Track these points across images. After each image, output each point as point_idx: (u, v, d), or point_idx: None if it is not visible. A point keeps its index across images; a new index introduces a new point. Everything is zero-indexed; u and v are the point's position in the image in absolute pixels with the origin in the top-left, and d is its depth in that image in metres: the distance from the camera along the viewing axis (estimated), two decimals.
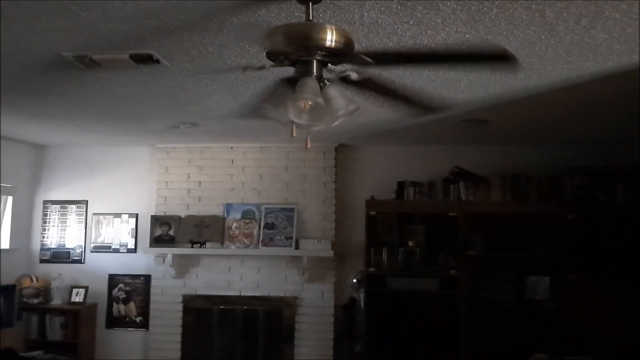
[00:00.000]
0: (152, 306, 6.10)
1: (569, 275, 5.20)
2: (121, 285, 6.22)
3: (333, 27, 2.06)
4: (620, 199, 5.30)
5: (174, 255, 5.94)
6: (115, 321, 6.21)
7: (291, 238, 5.82)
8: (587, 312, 5.12)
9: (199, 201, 6.14)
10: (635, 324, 5.06)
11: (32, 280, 6.09)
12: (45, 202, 6.43)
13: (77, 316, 5.93)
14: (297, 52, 2.08)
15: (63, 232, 6.39)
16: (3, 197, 6.02)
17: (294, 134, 2.23)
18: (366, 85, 2.61)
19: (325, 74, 2.17)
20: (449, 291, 5.37)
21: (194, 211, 6.10)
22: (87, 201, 6.38)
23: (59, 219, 6.40)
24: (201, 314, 6.02)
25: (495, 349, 5.35)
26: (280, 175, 6.07)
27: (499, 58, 2.83)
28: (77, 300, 6.07)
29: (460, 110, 4.28)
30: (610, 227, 5.25)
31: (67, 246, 6.36)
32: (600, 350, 4.94)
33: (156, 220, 6.08)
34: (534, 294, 5.36)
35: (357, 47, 2.40)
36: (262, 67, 3.00)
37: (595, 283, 5.17)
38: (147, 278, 6.16)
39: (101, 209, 6.35)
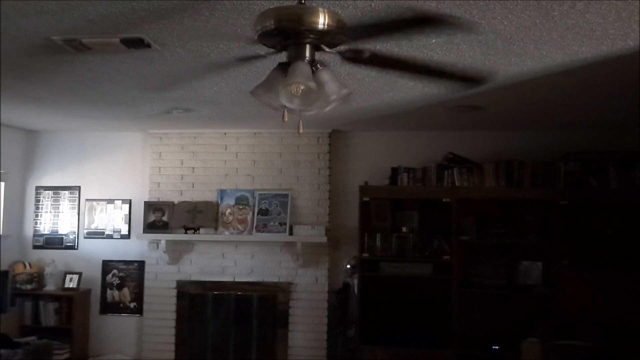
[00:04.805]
0: (146, 292, 6.11)
1: (562, 261, 5.22)
2: (115, 271, 6.22)
3: (325, 10, 2.03)
4: (613, 185, 5.30)
5: (168, 241, 5.93)
6: (109, 307, 6.21)
7: (285, 224, 5.82)
8: (579, 297, 5.15)
9: (193, 187, 6.12)
10: (626, 309, 5.09)
11: (25, 267, 6.08)
12: (37, 187, 6.40)
13: (70, 302, 5.93)
14: (288, 35, 2.05)
15: (56, 218, 6.36)
16: None
17: (286, 119, 2.21)
18: (377, 60, 2.55)
19: (318, 57, 2.15)
20: (442, 276, 5.40)
21: (188, 197, 6.08)
22: (79, 187, 6.35)
23: (51, 204, 6.37)
24: (195, 299, 6.03)
25: (488, 334, 5.40)
26: (274, 161, 6.05)
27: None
28: (70, 286, 6.07)
29: (454, 96, 4.26)
30: (602, 213, 5.26)
31: (60, 232, 6.34)
32: (592, 335, 4.97)
33: (149, 206, 6.07)
34: (526, 279, 5.40)
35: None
36: (258, 57, 2.95)
37: (588, 268, 5.19)
38: (141, 264, 6.16)
39: (94, 194, 6.33)
